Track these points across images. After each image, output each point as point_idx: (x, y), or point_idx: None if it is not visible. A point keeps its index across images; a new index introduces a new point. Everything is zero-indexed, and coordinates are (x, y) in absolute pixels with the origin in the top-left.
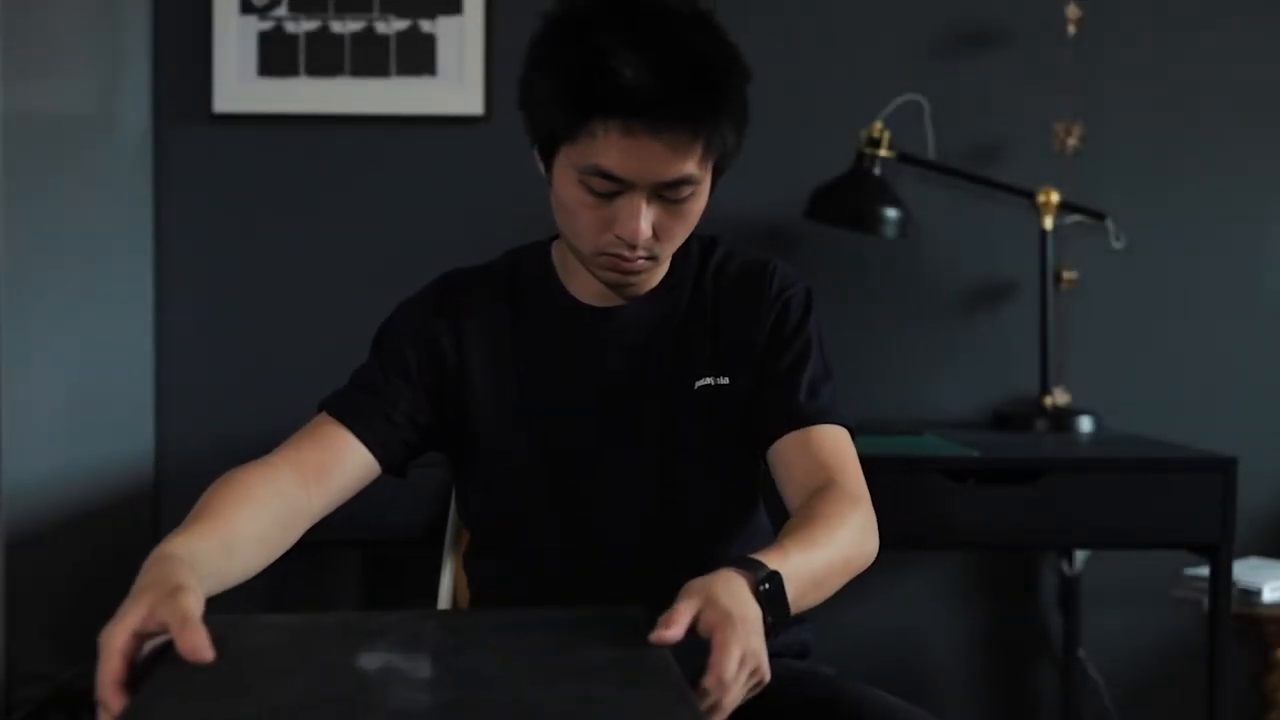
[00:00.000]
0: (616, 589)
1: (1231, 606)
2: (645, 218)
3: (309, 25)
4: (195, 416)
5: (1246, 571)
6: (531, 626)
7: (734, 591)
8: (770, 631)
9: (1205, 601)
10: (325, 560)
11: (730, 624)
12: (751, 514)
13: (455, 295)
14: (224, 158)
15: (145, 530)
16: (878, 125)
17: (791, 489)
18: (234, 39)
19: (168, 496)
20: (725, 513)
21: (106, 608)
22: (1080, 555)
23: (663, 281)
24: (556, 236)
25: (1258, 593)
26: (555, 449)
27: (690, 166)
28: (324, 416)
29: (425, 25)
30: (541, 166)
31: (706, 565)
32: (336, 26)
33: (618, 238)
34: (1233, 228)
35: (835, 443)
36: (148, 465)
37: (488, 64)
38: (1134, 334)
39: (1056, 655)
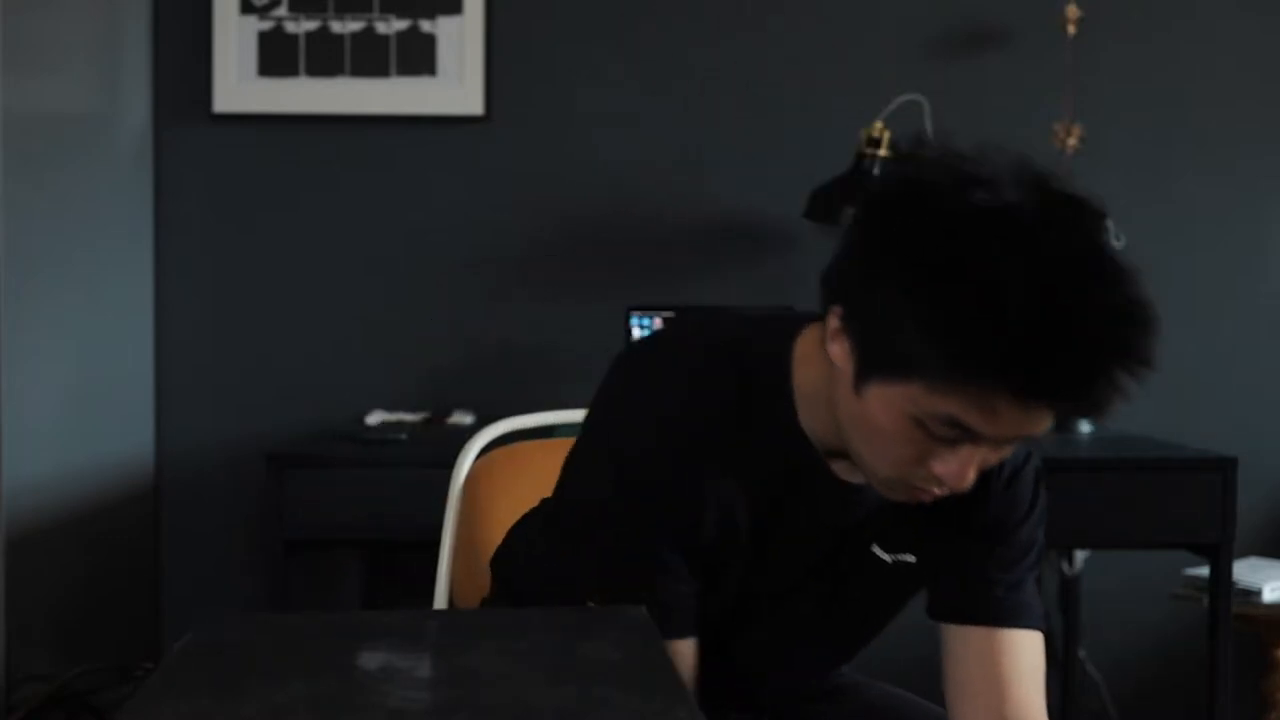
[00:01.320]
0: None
1: (1231, 606)
2: (973, 471)
3: (309, 25)
4: (195, 416)
5: (1246, 571)
6: (531, 626)
7: None
8: None
9: (1205, 601)
10: (325, 560)
11: None
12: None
13: (694, 441)
14: (224, 158)
15: (145, 530)
16: (878, 125)
17: (964, 699)
18: (234, 39)
19: (168, 496)
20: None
21: (106, 608)
22: (1080, 555)
23: None
24: (787, 334)
25: (1258, 593)
26: (740, 582)
27: (1040, 429)
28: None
29: (425, 25)
30: (851, 371)
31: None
32: (336, 26)
33: (933, 475)
34: (1232, 228)
35: (1025, 654)
36: (148, 465)
37: (488, 64)
38: None
39: (1056, 655)
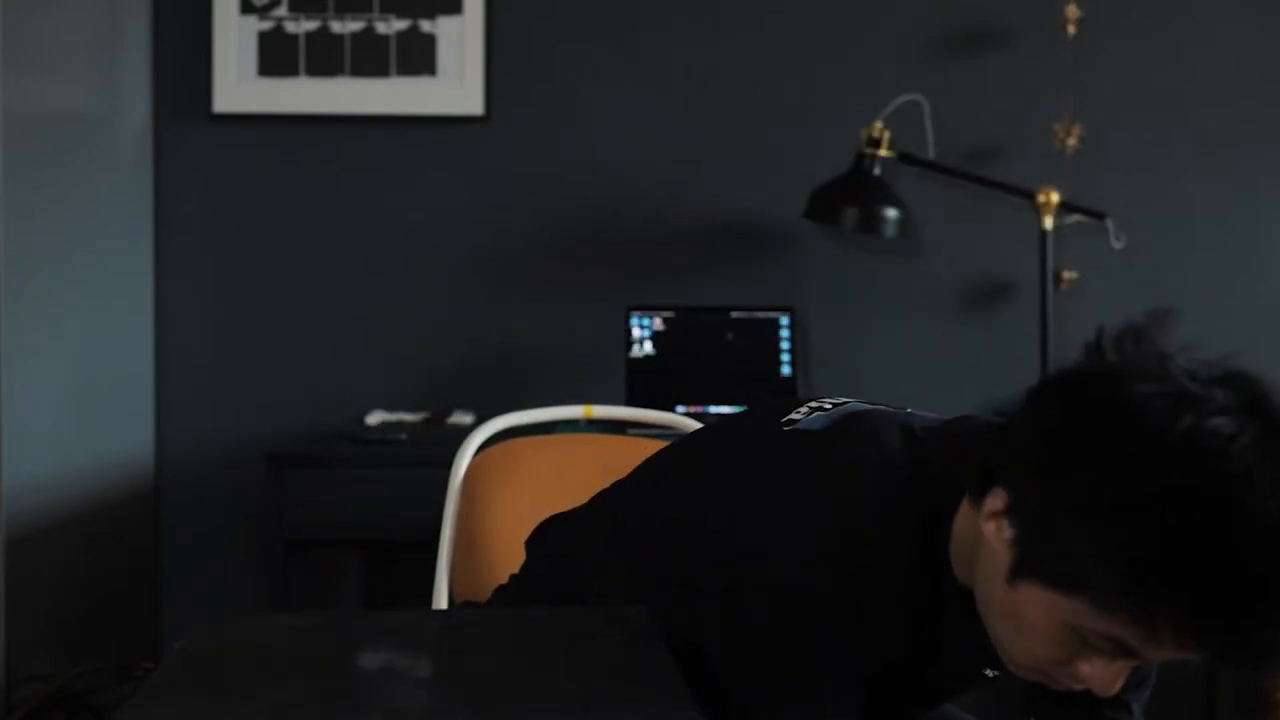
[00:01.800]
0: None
1: None
2: (1119, 683)
3: (309, 25)
4: (195, 416)
5: None
6: (532, 626)
7: None
8: None
9: None
10: (325, 560)
11: None
12: None
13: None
14: (224, 158)
15: (145, 530)
16: (878, 125)
17: None
18: (234, 39)
19: (168, 496)
20: None
21: (106, 608)
22: None
23: None
24: (956, 477)
25: None
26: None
27: None
28: None
29: (425, 25)
30: (1007, 559)
31: None
32: (336, 26)
33: (1078, 676)
34: (1232, 227)
35: None
36: (148, 465)
37: (488, 64)
38: None
39: None
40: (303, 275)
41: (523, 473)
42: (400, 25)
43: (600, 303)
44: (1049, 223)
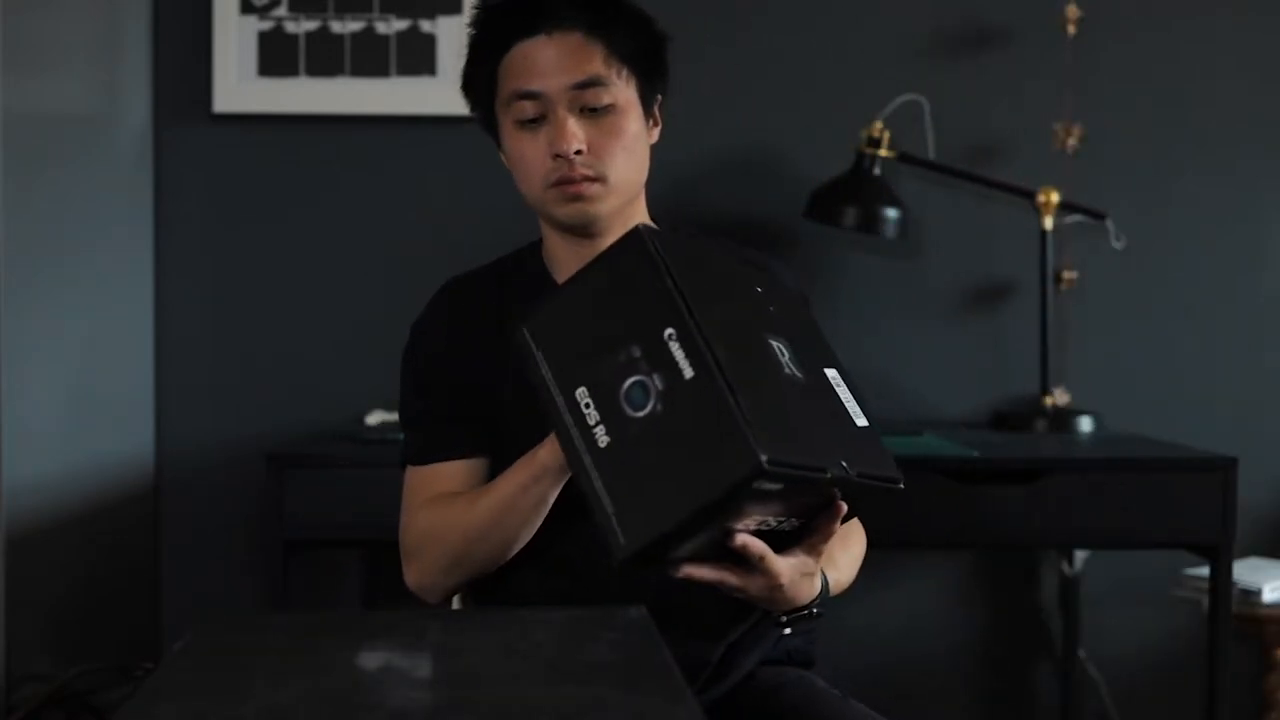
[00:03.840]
0: (616, 587)
1: (1231, 606)
2: (571, 125)
3: (309, 25)
4: (195, 416)
5: (1246, 571)
6: (532, 626)
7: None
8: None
9: (1205, 601)
10: (325, 560)
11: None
12: None
13: (455, 305)
14: (224, 158)
15: (145, 530)
16: (878, 125)
17: None
18: (234, 39)
19: (168, 496)
20: None
21: (106, 608)
22: (1080, 555)
23: None
24: (538, 242)
25: (1258, 593)
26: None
27: (594, 68)
28: (419, 470)
29: (425, 25)
30: (498, 149)
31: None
32: (336, 26)
33: (557, 157)
34: (1232, 227)
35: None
36: (148, 465)
37: None
38: (1134, 334)
39: (1056, 655)
40: (303, 275)
41: None
42: (400, 25)
43: None
44: (1049, 223)
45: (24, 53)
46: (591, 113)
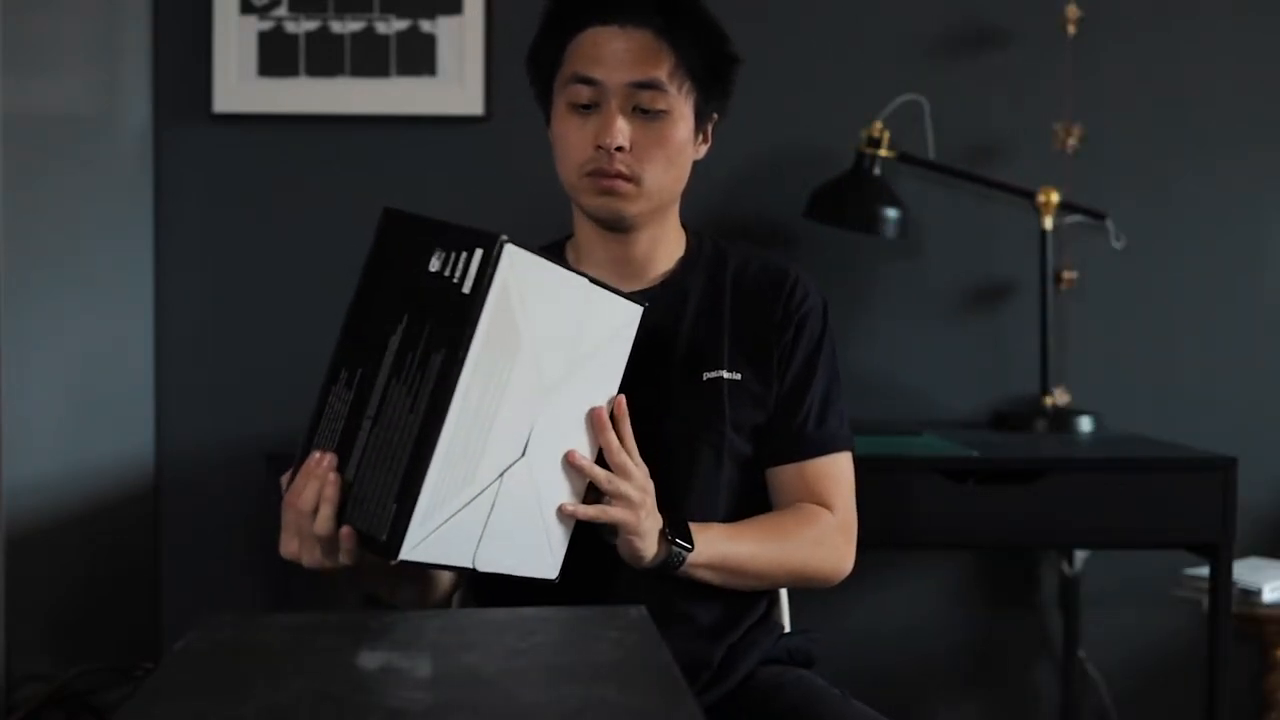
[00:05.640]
0: (612, 573)
1: (1231, 606)
2: (620, 122)
3: (309, 25)
4: (195, 416)
5: (1246, 571)
6: (531, 626)
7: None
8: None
9: (1205, 601)
10: None
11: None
12: (754, 510)
13: None
14: (224, 158)
15: (145, 530)
16: (878, 125)
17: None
18: (234, 39)
19: (168, 496)
20: (723, 498)
21: (106, 608)
22: (1080, 555)
23: (673, 273)
24: (569, 236)
25: (1258, 593)
26: None
27: (658, 72)
28: None
29: (425, 25)
30: (548, 128)
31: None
32: (336, 26)
33: (599, 148)
34: (1232, 227)
35: (833, 471)
36: (148, 465)
37: (488, 64)
38: (1134, 334)
39: (1056, 655)
40: (303, 275)
41: None
42: (400, 25)
43: None
44: (1049, 223)
45: (24, 53)
46: (644, 114)
